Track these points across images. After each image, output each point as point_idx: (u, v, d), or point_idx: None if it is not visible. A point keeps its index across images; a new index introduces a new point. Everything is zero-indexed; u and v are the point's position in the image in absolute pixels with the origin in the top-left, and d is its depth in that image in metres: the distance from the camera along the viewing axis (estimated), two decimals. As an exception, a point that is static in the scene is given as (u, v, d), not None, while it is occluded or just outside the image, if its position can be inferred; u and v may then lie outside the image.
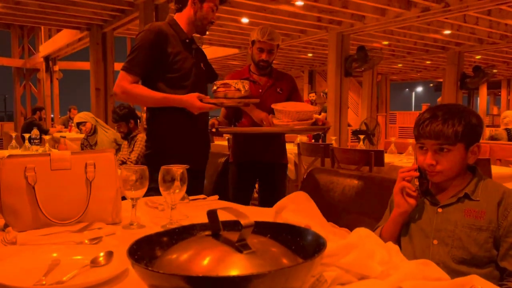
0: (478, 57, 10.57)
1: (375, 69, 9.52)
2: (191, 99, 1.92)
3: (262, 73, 2.63)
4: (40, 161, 1.32)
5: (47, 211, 1.30)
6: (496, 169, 3.46)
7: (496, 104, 20.18)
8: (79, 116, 4.61)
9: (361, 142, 4.64)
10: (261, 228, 0.83)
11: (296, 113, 1.83)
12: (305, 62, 12.30)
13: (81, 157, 1.38)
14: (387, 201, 1.54)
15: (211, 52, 9.55)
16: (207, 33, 2.16)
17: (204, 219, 1.34)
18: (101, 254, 1.01)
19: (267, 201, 2.53)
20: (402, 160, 3.88)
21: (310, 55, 10.69)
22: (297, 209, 1.34)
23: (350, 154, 3.49)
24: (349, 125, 10.90)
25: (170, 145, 2.06)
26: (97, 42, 7.22)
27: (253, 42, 2.56)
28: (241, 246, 0.72)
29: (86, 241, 1.18)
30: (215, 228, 0.80)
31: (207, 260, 0.71)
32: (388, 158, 3.74)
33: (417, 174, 1.33)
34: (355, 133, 6.05)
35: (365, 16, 6.37)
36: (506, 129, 5.69)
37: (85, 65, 10.94)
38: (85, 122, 4.55)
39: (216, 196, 1.83)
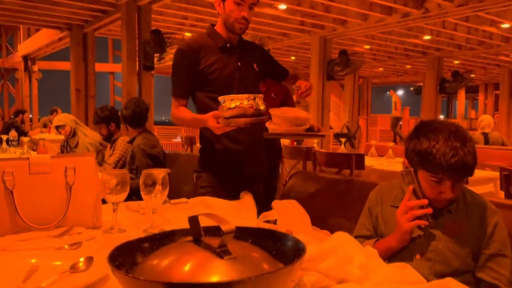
0: (456, 62, 10.81)
1: (356, 73, 9.64)
2: (205, 119, 1.71)
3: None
4: (18, 165, 1.30)
5: (26, 216, 1.28)
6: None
7: (474, 108, 20.64)
8: (59, 119, 4.53)
9: (343, 145, 4.68)
10: (242, 233, 0.84)
11: (294, 119, 1.85)
12: (288, 65, 12.36)
13: (60, 161, 1.36)
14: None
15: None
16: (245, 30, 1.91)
17: (186, 223, 1.34)
18: (81, 259, 1.00)
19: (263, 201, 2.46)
20: (382, 163, 3.94)
21: (293, 58, 10.76)
22: (286, 218, 1.35)
23: (331, 157, 3.53)
24: (331, 128, 11.01)
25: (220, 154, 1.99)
26: (77, 42, 7.12)
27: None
28: (222, 252, 0.73)
29: (66, 247, 1.16)
30: (196, 233, 0.80)
31: (188, 266, 0.71)
32: (368, 161, 3.80)
33: (431, 211, 1.24)
34: (337, 136, 6.11)
35: (347, 20, 6.46)
36: (483, 133, 5.82)
37: (65, 65, 10.79)
38: (64, 125, 4.47)
39: (198, 198, 1.83)
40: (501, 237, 1.26)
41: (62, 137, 4.80)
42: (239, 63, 1.96)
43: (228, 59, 1.94)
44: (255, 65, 2.02)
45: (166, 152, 3.68)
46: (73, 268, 0.98)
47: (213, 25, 1.98)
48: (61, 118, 4.55)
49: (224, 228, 0.73)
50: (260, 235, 0.87)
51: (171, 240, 0.84)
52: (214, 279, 0.67)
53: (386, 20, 6.07)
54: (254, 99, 1.54)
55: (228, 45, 1.94)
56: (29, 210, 1.29)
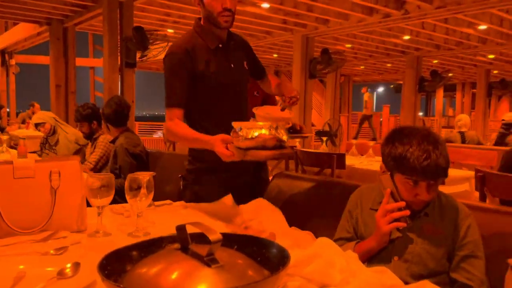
0: (435, 61, 11.01)
1: (338, 71, 9.73)
2: (212, 142, 1.50)
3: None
4: (2, 169, 1.30)
5: (10, 220, 1.28)
6: (450, 172, 3.63)
7: (451, 106, 21.08)
8: (38, 117, 4.46)
9: (324, 144, 4.75)
10: (228, 240, 0.86)
11: (278, 119, 1.87)
12: (271, 62, 12.40)
13: (45, 165, 1.36)
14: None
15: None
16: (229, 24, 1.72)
17: (171, 226, 1.36)
18: (68, 265, 1.02)
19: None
20: (362, 162, 4.01)
21: (275, 55, 10.80)
22: (262, 218, 1.38)
23: (313, 156, 3.58)
24: (313, 125, 11.11)
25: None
26: (57, 37, 6.99)
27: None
28: (209, 261, 0.75)
29: (52, 252, 1.17)
30: (184, 242, 0.82)
31: (176, 275, 0.74)
32: (349, 160, 3.87)
33: (408, 213, 1.29)
34: (318, 134, 6.17)
35: (329, 20, 6.52)
36: (460, 132, 5.96)
37: (44, 59, 10.58)
38: (44, 123, 4.40)
39: (182, 202, 1.85)
40: (473, 239, 1.32)
41: (41, 134, 4.73)
42: (232, 65, 1.83)
43: (222, 62, 1.80)
44: (245, 63, 1.91)
45: (149, 150, 3.68)
46: (60, 274, 0.99)
47: (199, 19, 1.81)
48: (40, 115, 4.48)
49: (211, 237, 0.76)
50: (244, 242, 0.90)
51: (159, 248, 0.86)
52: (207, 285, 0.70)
53: (367, 20, 6.16)
54: (276, 128, 1.35)
55: (220, 45, 1.79)
56: (13, 214, 1.29)
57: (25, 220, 1.31)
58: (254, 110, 2.23)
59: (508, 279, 1.28)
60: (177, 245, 0.84)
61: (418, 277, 1.29)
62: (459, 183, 3.48)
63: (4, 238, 1.25)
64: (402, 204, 1.29)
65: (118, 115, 3.45)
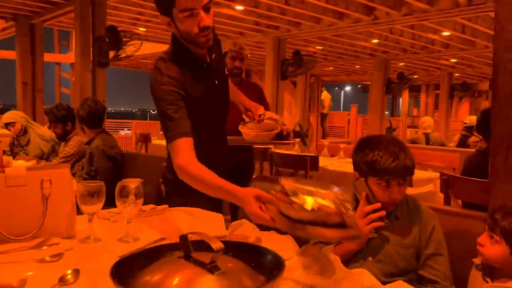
0: (401, 64, 11.39)
1: (309, 72, 9.92)
2: (243, 199, 1.22)
3: (233, 82, 2.31)
4: (-6, 178, 1.32)
5: (2, 227, 1.31)
6: (415, 173, 3.83)
7: (416, 106, 21.78)
8: (8, 116, 4.36)
9: (297, 145, 4.87)
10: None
11: (266, 124, 1.95)
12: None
13: (36, 174, 1.39)
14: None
15: (146, 48, 9.38)
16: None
17: (159, 231, 1.41)
18: (69, 272, 1.06)
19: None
20: (334, 164, 4.16)
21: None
22: (245, 225, 1.45)
23: (287, 158, 3.69)
24: (284, 125, 11.24)
25: None
26: (24, 33, 6.80)
27: (224, 54, 2.69)
28: (212, 268, 0.83)
29: (48, 258, 1.21)
30: (186, 250, 0.89)
31: (182, 281, 0.81)
32: (321, 162, 4.00)
33: (384, 213, 1.40)
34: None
35: (301, 23, 6.65)
36: (424, 133, 6.23)
37: (9, 54, 10.25)
38: (14, 122, 4.31)
39: (166, 206, 1.89)
40: (438, 238, 1.45)
41: (8, 132, 4.62)
42: (217, 81, 1.73)
43: (207, 82, 1.67)
44: (226, 70, 1.82)
45: (124, 152, 3.68)
46: (62, 280, 1.04)
47: (176, 39, 1.61)
48: (11, 115, 4.39)
49: (214, 246, 0.84)
50: (239, 248, 0.98)
51: (163, 256, 0.93)
52: (210, 292, 0.77)
53: (338, 25, 6.34)
54: (343, 203, 1.02)
55: (204, 65, 1.66)
56: (6, 222, 1.32)
57: (17, 227, 1.34)
58: (240, 128, 2.27)
59: (472, 276, 1.42)
60: (180, 253, 0.91)
61: (390, 276, 1.41)
62: (424, 184, 3.68)
63: (-2, 246, 1.28)
64: (378, 205, 1.41)
65: (93, 116, 3.44)
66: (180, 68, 1.59)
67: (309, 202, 0.97)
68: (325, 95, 14.12)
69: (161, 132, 4.94)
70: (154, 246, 0.96)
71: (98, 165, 3.27)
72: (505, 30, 1.69)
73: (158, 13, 1.56)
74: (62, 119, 3.75)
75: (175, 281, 0.81)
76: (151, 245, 1.33)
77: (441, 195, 2.87)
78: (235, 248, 0.97)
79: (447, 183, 2.62)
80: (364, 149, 1.46)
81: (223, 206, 1.99)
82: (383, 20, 5.84)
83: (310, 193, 1.00)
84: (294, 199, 1.00)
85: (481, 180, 2.33)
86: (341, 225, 1.02)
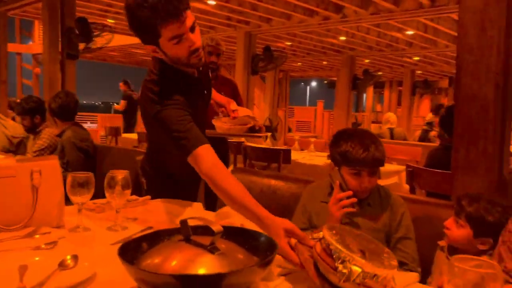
0: (367, 61, 11.71)
1: (278, 67, 10.05)
2: (273, 230, 1.13)
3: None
4: (-15, 169, 1.34)
5: (-6, 217, 1.33)
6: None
7: (380, 102, 22.39)
8: None
9: (268, 139, 4.97)
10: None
11: (239, 118, 2.03)
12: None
13: (26, 165, 1.42)
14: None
15: (114, 40, 9.23)
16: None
17: (143, 220, 1.45)
18: (68, 257, 1.11)
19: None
20: (305, 157, 4.29)
21: (216, 49, 10.87)
22: (230, 212, 1.53)
23: (261, 152, 3.79)
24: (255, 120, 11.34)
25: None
26: (-14, 22, 6.56)
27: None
28: (212, 249, 0.91)
29: (43, 246, 1.25)
30: (187, 234, 0.97)
31: (185, 260, 0.88)
32: (293, 155, 4.12)
33: (355, 200, 1.51)
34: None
35: (272, 19, 6.75)
36: (389, 129, 6.49)
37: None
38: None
39: (148, 196, 1.95)
40: (406, 224, 1.59)
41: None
42: (206, 91, 1.77)
43: (197, 94, 1.68)
44: (210, 74, 1.88)
45: (97, 145, 3.68)
46: (62, 265, 1.09)
47: (163, 62, 1.57)
48: None
49: (214, 229, 0.92)
50: (234, 233, 1.05)
51: (164, 239, 1.00)
52: (210, 271, 0.85)
53: (308, 22, 6.47)
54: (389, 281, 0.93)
55: (193, 79, 1.67)
56: (-3, 212, 1.34)
57: (7, 217, 1.37)
58: (214, 121, 2.36)
59: (437, 256, 1.57)
60: (179, 237, 0.98)
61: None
62: (390, 176, 3.88)
63: (-10, 235, 1.31)
64: (350, 193, 1.53)
65: (64, 109, 3.43)
66: (173, 86, 1.55)
67: (356, 274, 0.89)
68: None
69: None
70: (154, 231, 1.03)
71: (69, 157, 3.27)
72: (467, 35, 1.84)
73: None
74: (30, 112, 3.69)
75: (179, 260, 0.88)
76: (140, 233, 1.39)
77: (406, 186, 3.05)
78: (230, 232, 1.05)
79: (412, 175, 2.79)
80: (339, 141, 1.58)
81: (198, 196, 2.08)
82: (351, 18, 6.02)
83: (354, 262, 0.91)
84: (340, 267, 0.91)
85: (444, 172, 2.51)
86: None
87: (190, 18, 1.41)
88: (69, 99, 3.46)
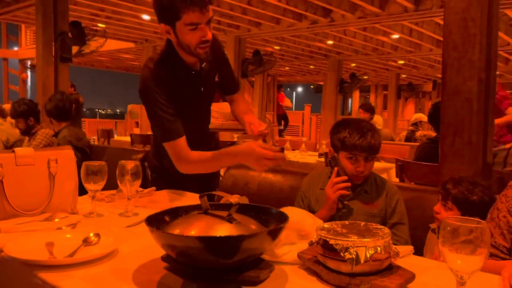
0: (353, 65, 11.93)
1: (266, 72, 10.19)
2: (247, 148, 1.44)
3: None
4: (6, 158, 1.42)
5: (14, 203, 1.41)
6: (371, 164, 4.17)
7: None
8: None
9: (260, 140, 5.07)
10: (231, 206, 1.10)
11: (230, 114, 2.11)
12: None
13: (44, 154, 1.50)
14: (297, 191, 1.90)
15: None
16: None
17: (151, 208, 1.53)
18: (91, 234, 1.20)
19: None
20: (297, 156, 4.41)
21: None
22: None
23: (254, 151, 3.88)
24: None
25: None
26: (-25, 26, 6.56)
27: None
28: (230, 219, 1.01)
29: (64, 227, 1.34)
30: (206, 207, 1.07)
31: (207, 227, 0.98)
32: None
33: (349, 184, 1.63)
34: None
35: (262, 23, 6.89)
36: (377, 130, 6.67)
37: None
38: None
39: (153, 188, 2.03)
40: (400, 210, 1.70)
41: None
42: (203, 88, 1.79)
43: (193, 87, 1.75)
44: (216, 77, 1.88)
45: (93, 145, 3.74)
46: (86, 241, 1.17)
47: (170, 42, 1.66)
48: None
49: (232, 201, 1.02)
50: (245, 208, 1.15)
51: (184, 213, 1.09)
52: (232, 233, 0.95)
53: (297, 25, 6.63)
54: (389, 245, 1.01)
55: (193, 72, 1.73)
56: (17, 198, 1.42)
57: (26, 203, 1.45)
58: (212, 107, 2.46)
59: (428, 238, 1.69)
60: (198, 211, 1.08)
61: None
62: (379, 173, 4.00)
63: (12, 219, 1.38)
64: (345, 178, 1.65)
65: (60, 109, 3.49)
66: (169, 71, 1.66)
67: (362, 254, 0.96)
68: None
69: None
70: (173, 207, 1.12)
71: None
72: (452, 33, 1.98)
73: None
74: (23, 114, 3.75)
75: (200, 227, 0.98)
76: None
77: (396, 181, 3.18)
78: (244, 208, 1.14)
79: (401, 168, 2.93)
80: (339, 128, 1.71)
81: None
82: (339, 22, 6.19)
83: (356, 244, 0.97)
84: (346, 255, 0.96)
85: (431, 164, 2.65)
86: (390, 267, 1.02)
87: (210, 12, 1.53)
88: (64, 99, 3.53)
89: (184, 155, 1.63)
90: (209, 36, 1.57)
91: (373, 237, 0.98)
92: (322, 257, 1.02)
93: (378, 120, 6.87)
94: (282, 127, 13.07)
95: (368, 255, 0.95)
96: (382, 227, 1.07)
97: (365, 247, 0.96)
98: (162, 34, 1.63)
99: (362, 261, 0.95)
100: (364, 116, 5.83)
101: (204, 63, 1.76)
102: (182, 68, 1.70)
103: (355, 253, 0.95)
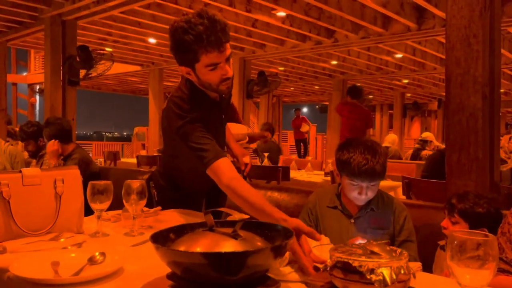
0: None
1: (271, 93, 10.27)
2: (299, 259, 1.15)
3: None
4: (13, 178, 1.43)
5: (20, 223, 1.41)
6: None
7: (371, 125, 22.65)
8: None
9: (265, 159, 5.08)
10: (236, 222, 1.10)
11: (234, 135, 2.13)
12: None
13: (50, 174, 1.51)
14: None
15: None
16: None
17: (158, 228, 1.54)
18: (96, 253, 1.20)
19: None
20: (303, 175, 4.40)
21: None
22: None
23: (261, 170, 3.89)
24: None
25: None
26: (-14, 52, 6.71)
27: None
28: (235, 235, 1.00)
29: (69, 247, 1.33)
30: (211, 225, 1.06)
31: (212, 244, 0.98)
32: (291, 174, 4.23)
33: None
34: (257, 151, 6.53)
35: (266, 44, 6.98)
36: (386, 147, 6.67)
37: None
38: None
39: (159, 208, 2.03)
40: (408, 227, 1.68)
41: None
42: (223, 116, 1.82)
43: (216, 117, 1.76)
44: (230, 99, 1.93)
45: (100, 166, 3.77)
46: (91, 260, 1.17)
47: (189, 81, 1.66)
48: None
49: (237, 217, 1.02)
50: (252, 225, 1.15)
51: (190, 230, 1.09)
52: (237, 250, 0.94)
53: (300, 46, 6.71)
54: (408, 266, 0.95)
55: (215, 102, 1.75)
56: (23, 218, 1.42)
57: (33, 223, 1.44)
58: None
59: (437, 255, 1.66)
60: (203, 229, 1.08)
61: None
62: (386, 191, 3.97)
63: (18, 239, 1.39)
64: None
65: (65, 131, 3.50)
66: (198, 106, 1.65)
67: (389, 275, 0.90)
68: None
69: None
70: (179, 224, 1.12)
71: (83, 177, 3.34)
72: (454, 49, 1.99)
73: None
74: (33, 136, 3.76)
75: (206, 244, 0.97)
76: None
77: (403, 198, 3.15)
78: (249, 225, 1.14)
79: (408, 186, 2.91)
80: (343, 150, 1.65)
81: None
82: (342, 42, 6.26)
83: (382, 265, 0.91)
84: (373, 277, 0.90)
85: (438, 181, 2.63)
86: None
87: (228, 49, 1.52)
88: (63, 121, 3.55)
89: (234, 181, 1.47)
90: (230, 73, 1.57)
91: (394, 257, 0.93)
92: (342, 282, 0.94)
93: (392, 137, 6.93)
94: (302, 152, 12.99)
95: (394, 276, 0.90)
96: (392, 246, 1.04)
97: (390, 267, 0.90)
98: (183, 74, 1.62)
99: (389, 283, 0.88)
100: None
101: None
102: (207, 101, 1.70)
103: (381, 274, 0.89)
